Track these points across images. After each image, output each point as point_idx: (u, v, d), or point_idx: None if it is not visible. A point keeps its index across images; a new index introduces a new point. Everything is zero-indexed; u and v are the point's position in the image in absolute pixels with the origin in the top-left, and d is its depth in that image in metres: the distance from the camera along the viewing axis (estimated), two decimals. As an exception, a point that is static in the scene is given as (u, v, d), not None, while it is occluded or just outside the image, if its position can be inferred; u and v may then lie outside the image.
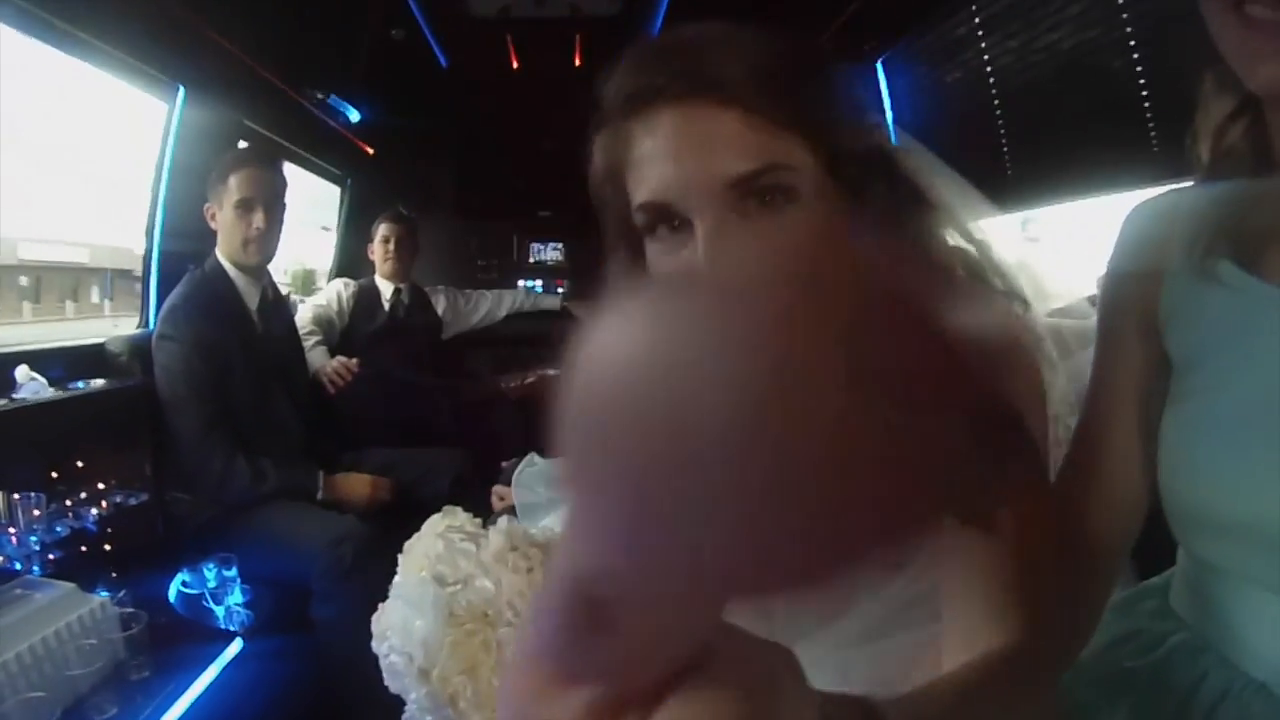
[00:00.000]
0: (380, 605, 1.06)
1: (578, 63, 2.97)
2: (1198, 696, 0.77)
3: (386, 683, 1.02)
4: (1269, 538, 0.67)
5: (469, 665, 0.94)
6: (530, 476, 1.84)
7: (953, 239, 0.85)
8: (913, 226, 0.80)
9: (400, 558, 1.09)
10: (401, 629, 0.99)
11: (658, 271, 0.80)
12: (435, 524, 1.11)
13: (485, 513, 1.22)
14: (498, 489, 2.08)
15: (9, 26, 2.00)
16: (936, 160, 0.96)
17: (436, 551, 1.04)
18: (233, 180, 2.53)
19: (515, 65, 3.00)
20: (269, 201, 2.58)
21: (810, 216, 0.74)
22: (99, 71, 2.37)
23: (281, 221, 2.65)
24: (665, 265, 0.78)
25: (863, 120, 0.84)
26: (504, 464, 2.37)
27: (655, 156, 0.75)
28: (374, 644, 1.03)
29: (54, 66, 2.26)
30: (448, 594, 0.99)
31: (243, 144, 3.06)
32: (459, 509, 1.15)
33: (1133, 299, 0.82)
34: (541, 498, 1.73)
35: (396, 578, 1.07)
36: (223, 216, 2.57)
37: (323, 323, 3.54)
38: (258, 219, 2.56)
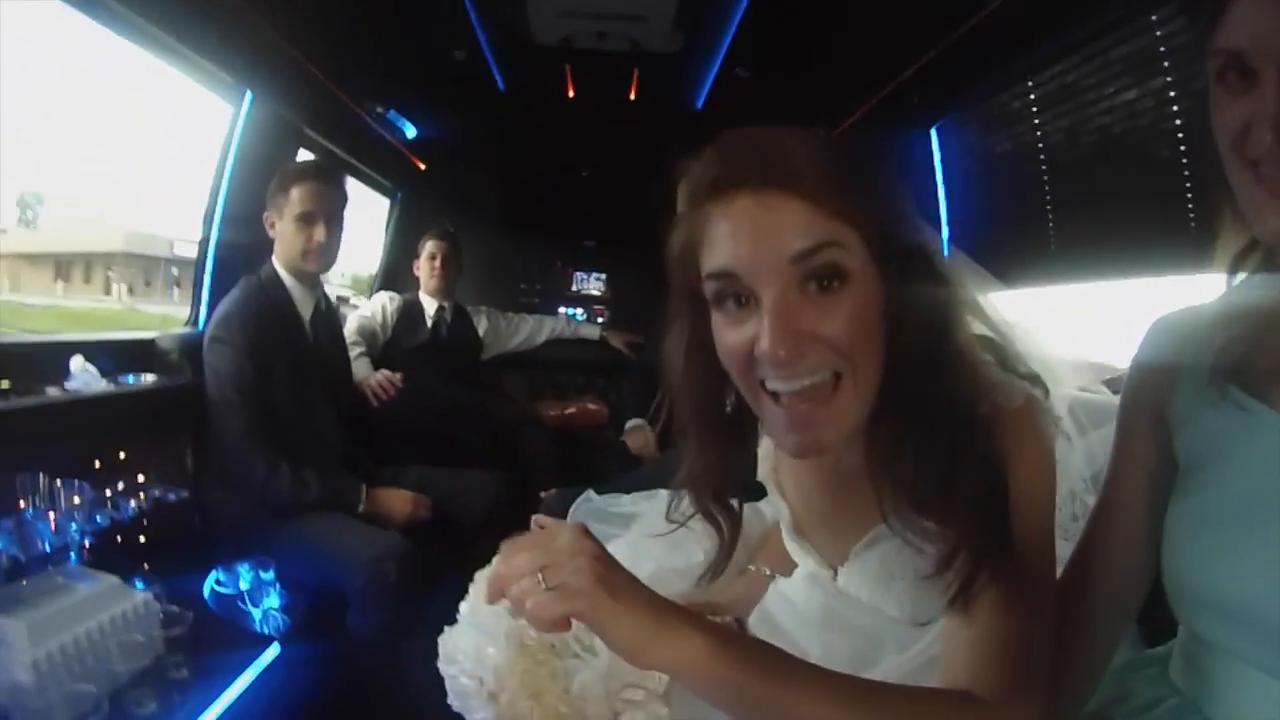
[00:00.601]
0: (448, 629, 1.12)
1: (633, 96, 3.00)
2: None
3: (450, 701, 1.08)
4: (1253, 620, 0.77)
5: (536, 691, 1.02)
6: (586, 513, 1.86)
7: (980, 327, 1.00)
8: (945, 313, 0.93)
9: (471, 586, 1.14)
10: (474, 654, 1.06)
11: (722, 342, 0.93)
12: None
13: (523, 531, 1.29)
14: (538, 519, 2.10)
15: (104, 26, 2.08)
16: (967, 258, 1.11)
17: None
18: (295, 193, 2.57)
19: (571, 94, 3.03)
20: (329, 216, 2.62)
21: (857, 296, 0.87)
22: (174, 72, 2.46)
23: (340, 235, 2.69)
24: (730, 336, 0.91)
25: (906, 214, 0.96)
26: (543, 494, 2.38)
27: (730, 234, 0.89)
28: (441, 664, 1.10)
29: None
30: (520, 625, 1.05)
31: (305, 155, 3.13)
32: None
33: (1147, 405, 0.94)
34: (600, 532, 1.73)
35: (465, 604, 1.13)
36: (282, 227, 2.61)
37: (367, 334, 3.59)
38: (318, 233, 2.60)
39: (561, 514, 2.00)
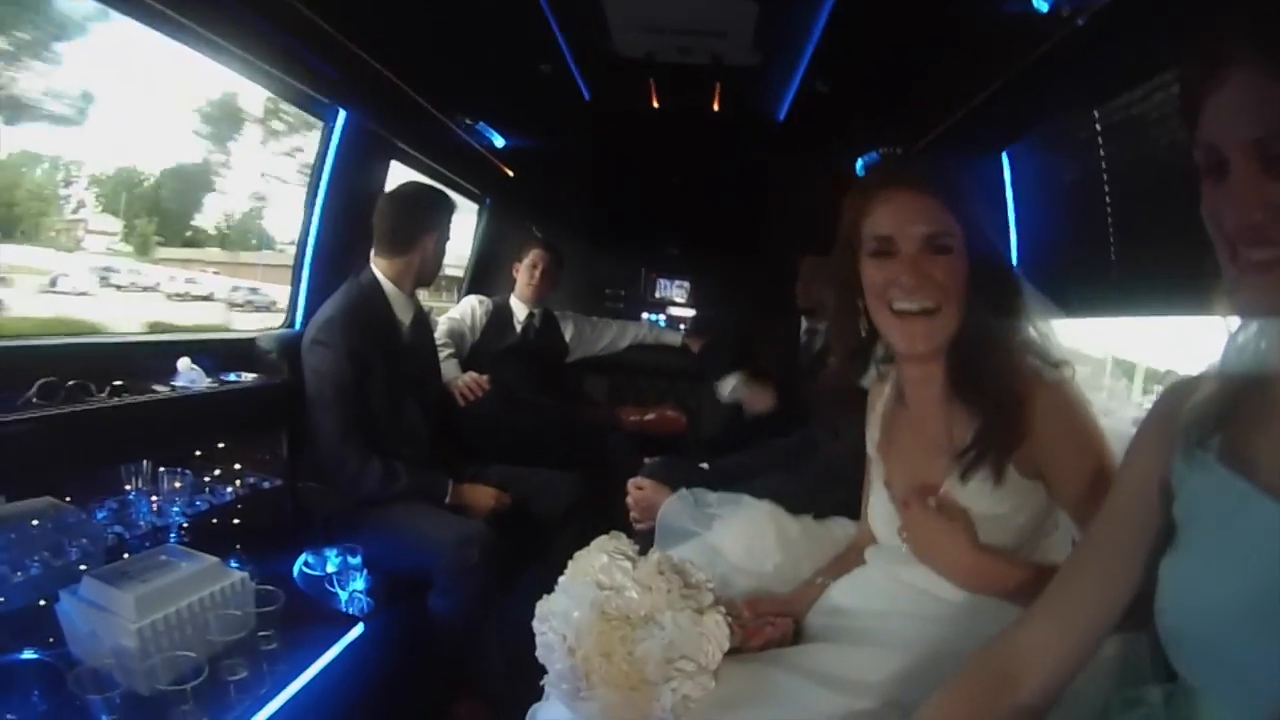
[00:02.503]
0: (545, 596, 1.38)
1: (716, 107, 3.01)
2: None
3: (538, 653, 1.34)
4: (1235, 675, 0.85)
5: (606, 651, 1.25)
6: (677, 507, 2.07)
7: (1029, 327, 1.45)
8: (1005, 285, 1.44)
9: (570, 563, 1.41)
10: (563, 616, 1.31)
11: (872, 278, 1.44)
12: (604, 543, 1.43)
13: (601, 533, 1.45)
14: (635, 481, 2.32)
15: (194, 49, 2.19)
16: (1031, 288, 1.50)
17: (601, 563, 1.36)
18: (446, 222, 2.81)
19: (655, 104, 3.06)
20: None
21: (954, 267, 1.40)
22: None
23: None
24: (879, 275, 1.43)
25: (986, 220, 1.47)
26: (647, 460, 2.48)
27: (889, 213, 1.42)
28: (535, 622, 1.35)
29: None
30: (603, 596, 1.31)
31: (397, 166, 3.28)
32: (623, 535, 1.47)
33: (1152, 465, 1.01)
34: (683, 528, 1.98)
35: (563, 577, 1.40)
36: (439, 251, 2.82)
37: (456, 336, 3.67)
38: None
39: (662, 478, 2.24)
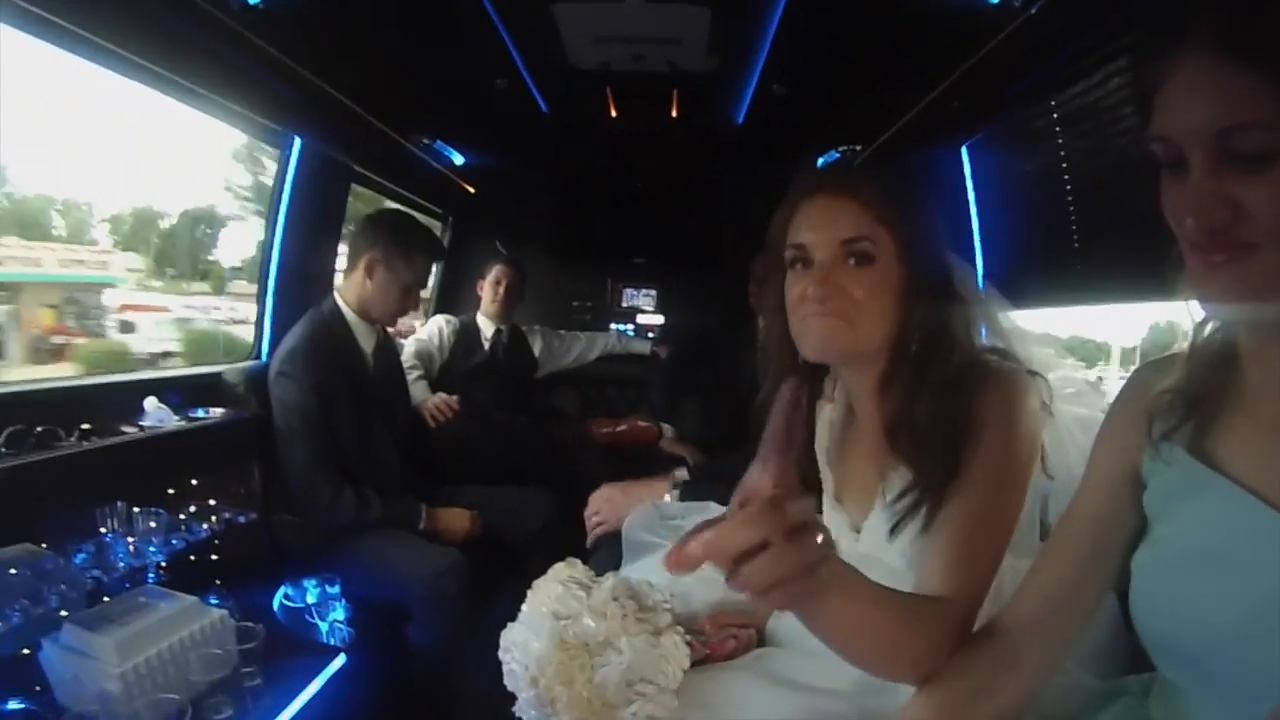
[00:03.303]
0: (509, 624, 1.38)
1: (674, 114, 3.02)
2: None
3: (505, 681, 1.35)
4: (1207, 666, 0.86)
5: (567, 679, 1.26)
6: (640, 520, 2.09)
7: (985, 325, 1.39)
8: (947, 302, 1.30)
9: (529, 593, 1.40)
10: (523, 646, 1.31)
11: (790, 293, 1.32)
12: (559, 572, 1.42)
13: (576, 549, 1.46)
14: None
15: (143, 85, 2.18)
16: (994, 290, 1.47)
17: (557, 594, 1.36)
18: (418, 262, 2.77)
19: (614, 114, 3.06)
20: (425, 287, 2.86)
21: (879, 279, 1.28)
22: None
23: None
24: (795, 286, 1.31)
25: (927, 228, 1.34)
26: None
27: (806, 219, 1.32)
28: (500, 652, 1.35)
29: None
30: (560, 626, 1.31)
31: (357, 189, 3.26)
32: (579, 562, 1.47)
33: (1121, 454, 1.01)
34: (646, 540, 2.00)
35: (525, 606, 1.39)
36: (387, 279, 2.74)
37: (424, 357, 3.68)
38: (412, 303, 2.82)
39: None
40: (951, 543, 1.18)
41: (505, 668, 1.34)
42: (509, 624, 1.38)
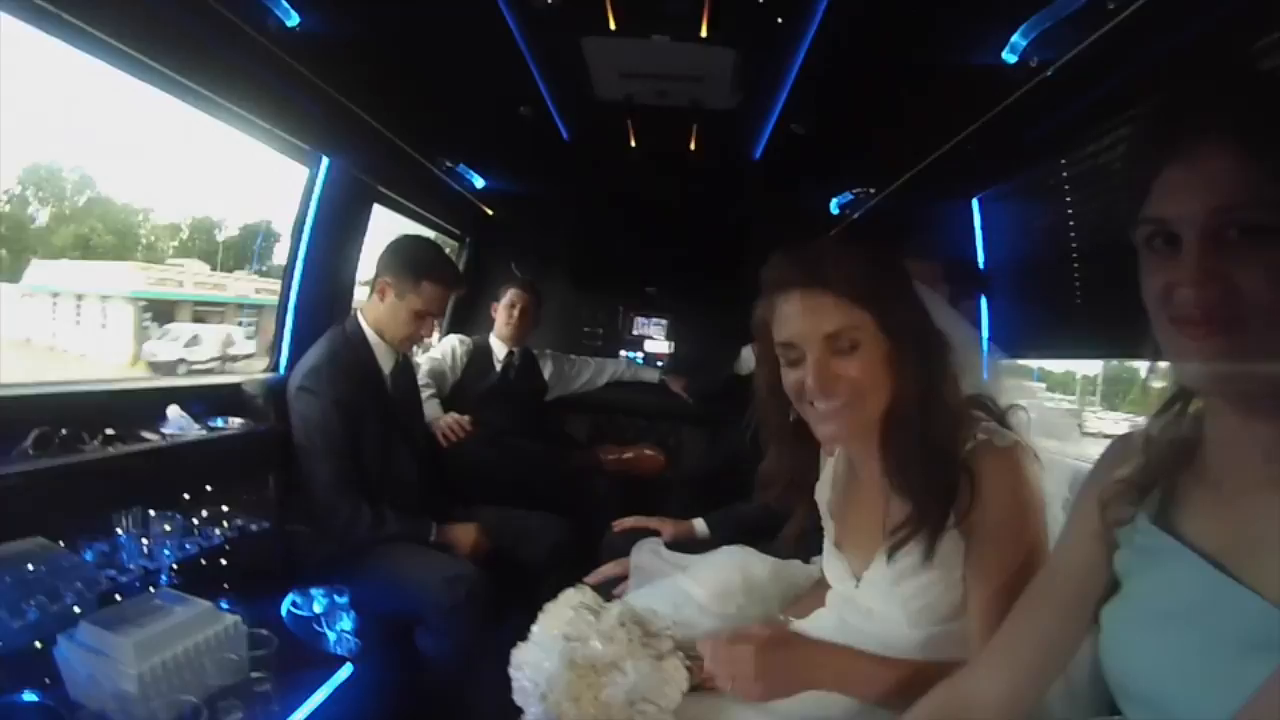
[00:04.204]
0: (520, 643, 1.49)
1: (693, 147, 3.07)
2: None
3: (514, 696, 1.46)
4: (1150, 702, 0.91)
5: (575, 697, 1.37)
6: (647, 550, 2.19)
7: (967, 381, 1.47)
8: (932, 368, 1.39)
9: (540, 615, 1.52)
10: (534, 665, 1.43)
11: (787, 380, 1.44)
12: (570, 597, 1.54)
13: (583, 573, 1.53)
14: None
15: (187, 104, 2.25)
16: (967, 324, 1.59)
17: (568, 617, 1.47)
18: (426, 288, 2.77)
19: (634, 144, 3.11)
20: (441, 315, 2.92)
21: (867, 359, 1.37)
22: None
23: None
24: (792, 377, 1.42)
25: (906, 301, 1.43)
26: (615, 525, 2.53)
27: (788, 317, 1.41)
28: (510, 669, 1.47)
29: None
30: (570, 647, 1.41)
31: (380, 210, 3.32)
32: (589, 588, 1.60)
33: (1095, 518, 1.06)
34: (654, 568, 2.09)
35: (535, 627, 1.50)
36: (396, 305, 2.78)
37: (437, 376, 3.72)
38: (427, 328, 2.84)
39: (625, 549, 2.27)
40: (984, 614, 1.32)
41: (515, 684, 1.44)
42: (520, 643, 1.48)
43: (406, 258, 2.79)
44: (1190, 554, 0.91)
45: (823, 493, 1.68)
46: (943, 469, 1.36)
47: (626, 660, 1.39)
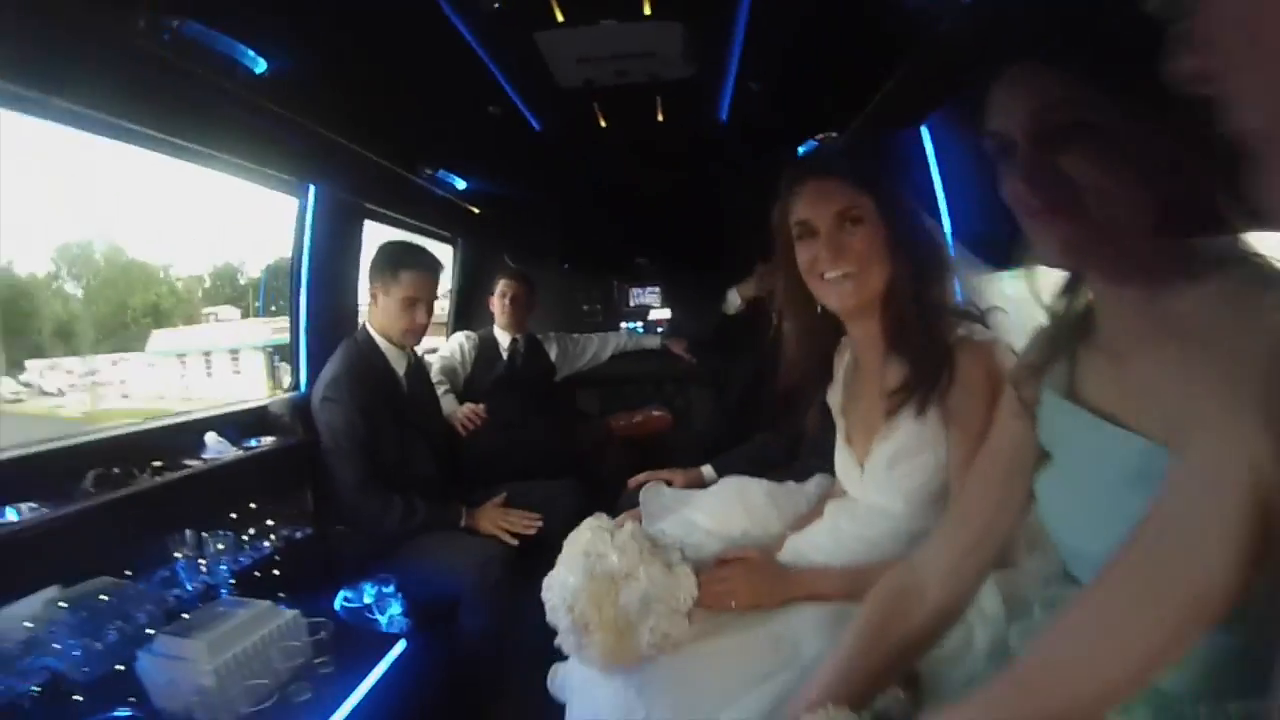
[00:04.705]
0: (550, 573, 1.64)
1: (660, 118, 3.16)
2: None
3: (547, 618, 1.61)
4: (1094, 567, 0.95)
5: (597, 604, 1.52)
6: (654, 491, 2.34)
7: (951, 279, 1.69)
8: (929, 259, 1.63)
9: (565, 544, 1.68)
10: (561, 583, 1.59)
11: (801, 260, 1.66)
12: (589, 521, 1.69)
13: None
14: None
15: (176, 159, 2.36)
16: (963, 249, 1.81)
17: (586, 538, 1.63)
18: (404, 277, 2.90)
19: (603, 125, 3.19)
20: (429, 300, 2.97)
21: (870, 234, 1.60)
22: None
23: (432, 313, 3.03)
24: (805, 253, 1.65)
25: (900, 192, 1.67)
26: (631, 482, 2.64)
27: (803, 199, 1.65)
28: (543, 593, 1.63)
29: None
30: (590, 562, 1.58)
31: (370, 226, 3.46)
32: (604, 514, 1.74)
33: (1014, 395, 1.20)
34: (662, 505, 2.22)
35: (562, 553, 1.66)
36: (386, 303, 2.93)
37: (449, 372, 3.85)
38: (420, 315, 2.94)
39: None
40: (955, 479, 1.55)
41: (547, 605, 1.61)
42: (550, 573, 1.65)
43: (384, 259, 2.93)
44: (1085, 414, 1.03)
45: (834, 396, 1.85)
46: (932, 337, 1.58)
47: (640, 568, 1.55)
